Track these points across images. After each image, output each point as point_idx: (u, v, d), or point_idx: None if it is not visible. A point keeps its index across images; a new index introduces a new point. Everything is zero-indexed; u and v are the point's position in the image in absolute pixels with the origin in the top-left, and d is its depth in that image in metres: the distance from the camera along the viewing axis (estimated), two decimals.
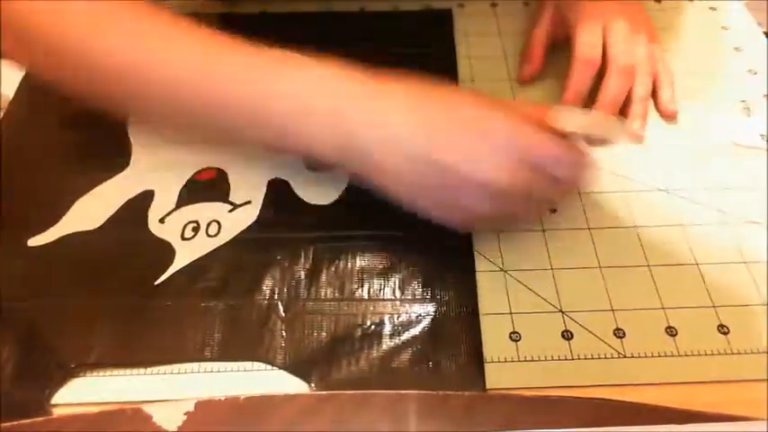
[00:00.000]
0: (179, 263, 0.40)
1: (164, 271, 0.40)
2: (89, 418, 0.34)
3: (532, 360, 0.36)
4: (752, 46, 0.53)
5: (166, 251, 0.41)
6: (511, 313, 0.38)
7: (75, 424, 0.33)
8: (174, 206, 0.43)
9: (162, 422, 0.32)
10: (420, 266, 0.40)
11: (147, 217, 0.43)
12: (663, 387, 0.35)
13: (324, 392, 0.35)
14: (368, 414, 0.33)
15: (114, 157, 0.46)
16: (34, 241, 0.42)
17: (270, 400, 0.34)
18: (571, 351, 0.36)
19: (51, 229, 0.42)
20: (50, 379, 0.36)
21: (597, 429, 0.31)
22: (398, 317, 0.38)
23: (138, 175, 0.45)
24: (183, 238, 0.42)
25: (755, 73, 0.51)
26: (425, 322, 0.38)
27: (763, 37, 0.54)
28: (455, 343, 0.37)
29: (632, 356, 0.36)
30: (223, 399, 0.34)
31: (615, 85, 0.46)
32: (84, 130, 0.48)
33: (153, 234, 0.42)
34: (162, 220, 0.43)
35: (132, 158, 0.46)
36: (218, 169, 0.45)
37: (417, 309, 0.38)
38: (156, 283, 0.40)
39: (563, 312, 0.38)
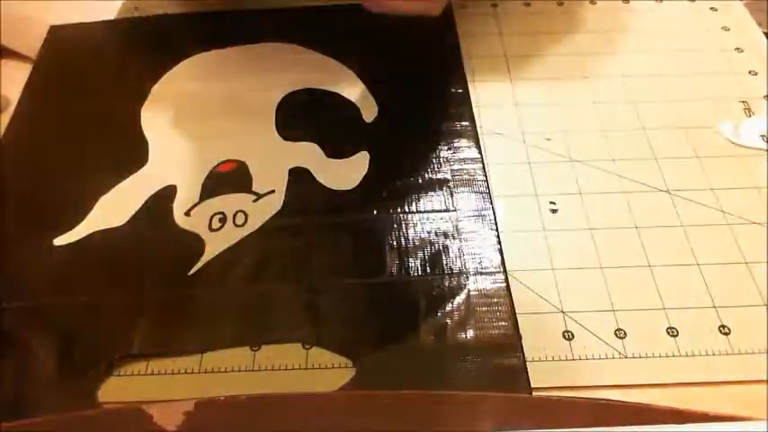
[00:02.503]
0: (210, 253, 0.41)
1: (195, 262, 0.40)
2: (89, 418, 0.34)
3: (533, 360, 0.36)
4: (752, 46, 0.53)
5: (196, 243, 0.41)
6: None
7: (75, 424, 0.33)
8: (198, 199, 0.44)
9: (162, 422, 0.32)
10: (449, 241, 0.41)
11: (171, 211, 0.43)
12: (664, 387, 0.35)
13: (324, 392, 0.35)
14: (369, 413, 0.33)
15: (131, 154, 0.46)
16: (60, 240, 0.42)
17: (270, 400, 0.34)
18: (572, 351, 0.36)
19: (76, 227, 0.42)
20: (94, 373, 0.36)
21: (597, 430, 0.31)
22: (433, 293, 0.39)
23: (157, 172, 0.46)
24: (211, 230, 0.42)
25: (756, 74, 0.51)
26: (462, 295, 0.38)
27: (764, 38, 0.54)
28: (497, 328, 0.37)
29: (633, 357, 0.36)
30: (223, 399, 0.34)
31: None
32: (97, 128, 0.49)
33: (180, 227, 0.42)
34: (188, 213, 0.43)
35: (150, 155, 0.46)
36: (239, 161, 0.46)
37: (449, 284, 0.39)
38: (189, 273, 0.40)
39: (563, 313, 0.38)
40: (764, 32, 0.54)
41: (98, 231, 0.42)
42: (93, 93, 0.51)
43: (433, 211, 0.43)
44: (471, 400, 0.34)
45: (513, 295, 0.38)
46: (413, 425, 0.33)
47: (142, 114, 0.49)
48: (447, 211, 0.43)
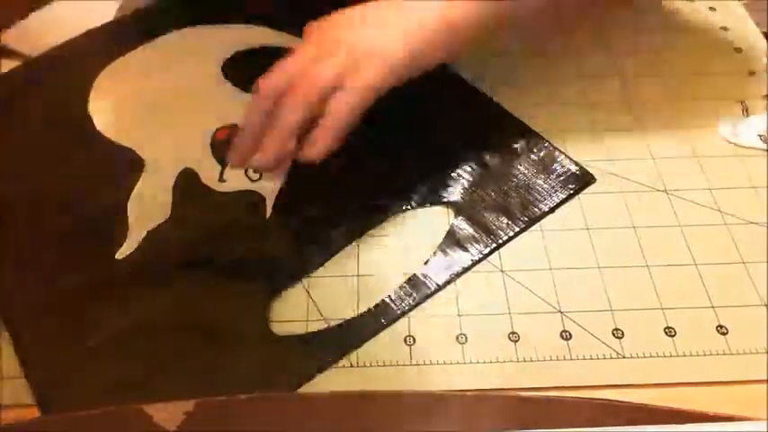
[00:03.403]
0: (274, 193, 0.43)
1: (263, 208, 0.43)
2: (89, 418, 0.34)
3: (531, 360, 0.36)
4: (751, 47, 0.53)
5: (252, 196, 0.43)
6: (510, 313, 0.38)
7: (75, 424, 0.33)
8: (220, 167, 0.45)
9: (162, 422, 0.32)
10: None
11: (206, 187, 0.45)
12: (661, 387, 0.35)
13: (324, 392, 0.35)
14: (368, 413, 0.33)
15: (124, 164, 0.47)
16: (121, 254, 0.42)
17: (270, 400, 0.34)
18: (570, 351, 0.36)
19: (128, 238, 0.42)
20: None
21: (596, 430, 0.31)
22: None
23: (160, 167, 0.46)
24: (253, 180, 0.44)
25: (755, 74, 0.51)
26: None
27: (763, 38, 0.54)
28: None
29: (631, 357, 0.36)
30: (223, 399, 0.34)
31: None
32: (75, 155, 0.48)
33: (227, 193, 0.44)
34: (222, 179, 0.45)
35: (141, 155, 0.47)
36: (230, 125, 0.48)
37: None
38: (267, 217, 0.43)
39: (561, 313, 0.38)
40: (763, 32, 0.54)
41: (151, 231, 0.43)
42: (57, 127, 0.50)
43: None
44: (471, 400, 0.34)
45: (510, 295, 0.39)
46: (413, 425, 0.33)
47: (106, 131, 0.49)
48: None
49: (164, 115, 0.50)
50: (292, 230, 0.42)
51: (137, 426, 0.33)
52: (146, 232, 0.42)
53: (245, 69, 0.50)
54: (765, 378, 0.35)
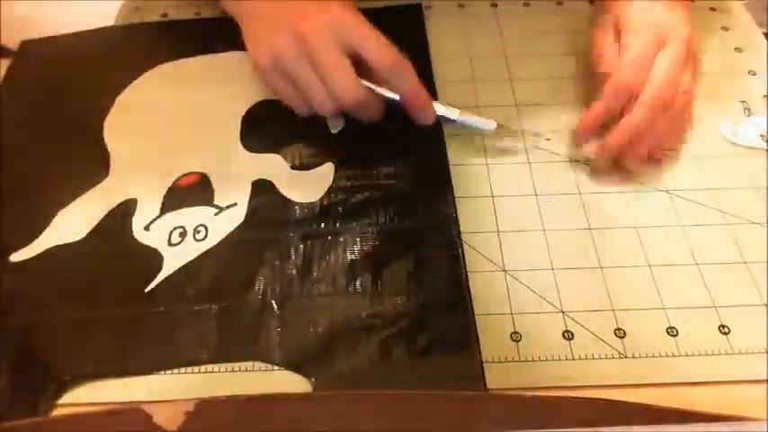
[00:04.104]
0: (168, 269, 0.40)
1: (153, 278, 0.40)
2: (89, 418, 0.34)
3: (533, 360, 0.36)
4: (752, 46, 0.53)
5: (154, 258, 0.41)
6: (512, 313, 0.38)
7: (75, 424, 0.33)
8: (158, 213, 0.43)
9: (162, 422, 0.32)
10: (409, 260, 0.40)
11: (131, 225, 0.42)
12: (663, 387, 0.35)
13: (324, 392, 0.35)
14: (368, 413, 0.33)
15: (92, 167, 0.46)
16: (17, 256, 0.41)
17: (270, 400, 0.34)
18: (572, 351, 0.36)
19: (33, 243, 0.42)
20: (45, 393, 0.36)
21: (597, 429, 0.31)
22: (393, 312, 0.38)
23: (118, 185, 0.45)
24: (171, 244, 0.41)
25: (755, 73, 0.51)
26: (419, 317, 0.38)
27: (764, 38, 0.54)
28: (453, 339, 0.37)
29: (633, 357, 0.36)
30: (223, 399, 0.34)
31: (641, 117, 0.42)
32: (60, 141, 0.48)
33: (139, 242, 0.42)
34: (147, 228, 0.42)
35: (111, 168, 0.46)
36: (201, 173, 0.45)
37: (409, 303, 0.38)
38: (146, 290, 0.39)
39: (564, 312, 0.38)
40: (764, 33, 0.54)
41: (56, 247, 0.42)
42: (58, 106, 0.50)
43: (396, 225, 0.42)
44: (471, 399, 0.34)
45: (512, 295, 0.39)
46: (412, 424, 0.32)
47: (105, 126, 0.49)
48: (412, 228, 0.42)
49: (160, 133, 0.48)
50: None
51: (137, 426, 0.32)
52: (50, 246, 0.42)
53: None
54: (767, 378, 0.35)
